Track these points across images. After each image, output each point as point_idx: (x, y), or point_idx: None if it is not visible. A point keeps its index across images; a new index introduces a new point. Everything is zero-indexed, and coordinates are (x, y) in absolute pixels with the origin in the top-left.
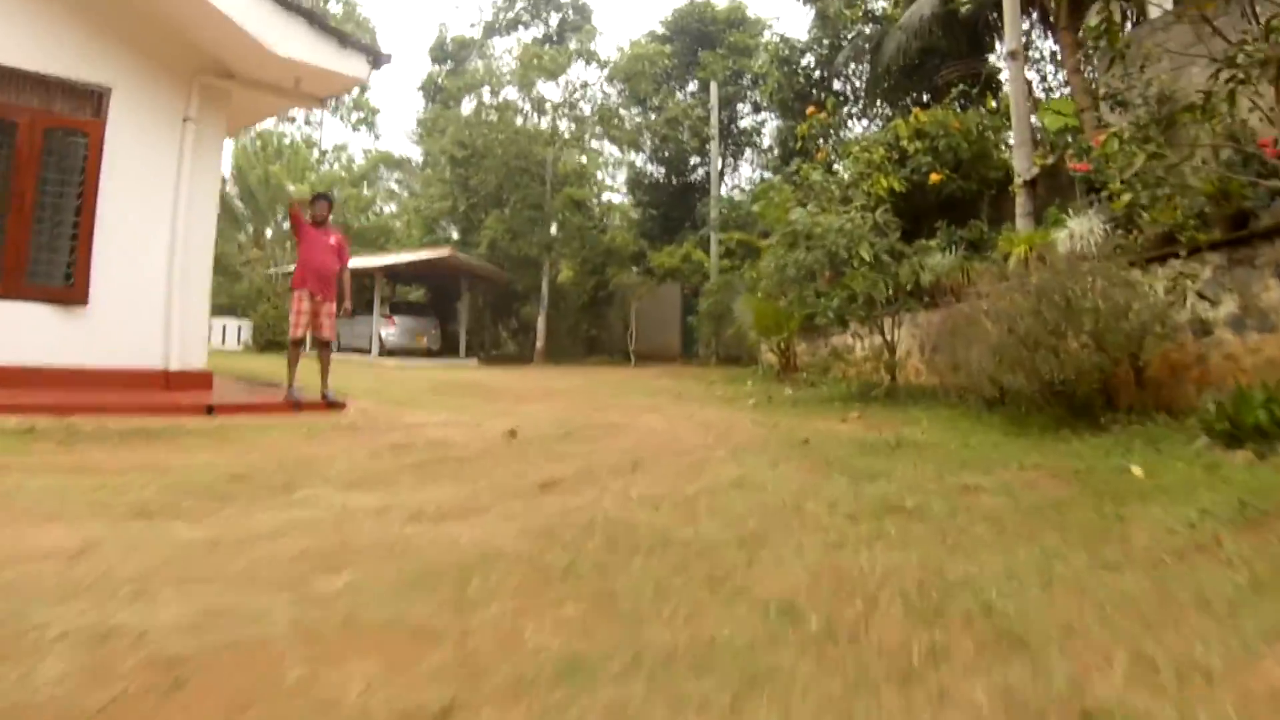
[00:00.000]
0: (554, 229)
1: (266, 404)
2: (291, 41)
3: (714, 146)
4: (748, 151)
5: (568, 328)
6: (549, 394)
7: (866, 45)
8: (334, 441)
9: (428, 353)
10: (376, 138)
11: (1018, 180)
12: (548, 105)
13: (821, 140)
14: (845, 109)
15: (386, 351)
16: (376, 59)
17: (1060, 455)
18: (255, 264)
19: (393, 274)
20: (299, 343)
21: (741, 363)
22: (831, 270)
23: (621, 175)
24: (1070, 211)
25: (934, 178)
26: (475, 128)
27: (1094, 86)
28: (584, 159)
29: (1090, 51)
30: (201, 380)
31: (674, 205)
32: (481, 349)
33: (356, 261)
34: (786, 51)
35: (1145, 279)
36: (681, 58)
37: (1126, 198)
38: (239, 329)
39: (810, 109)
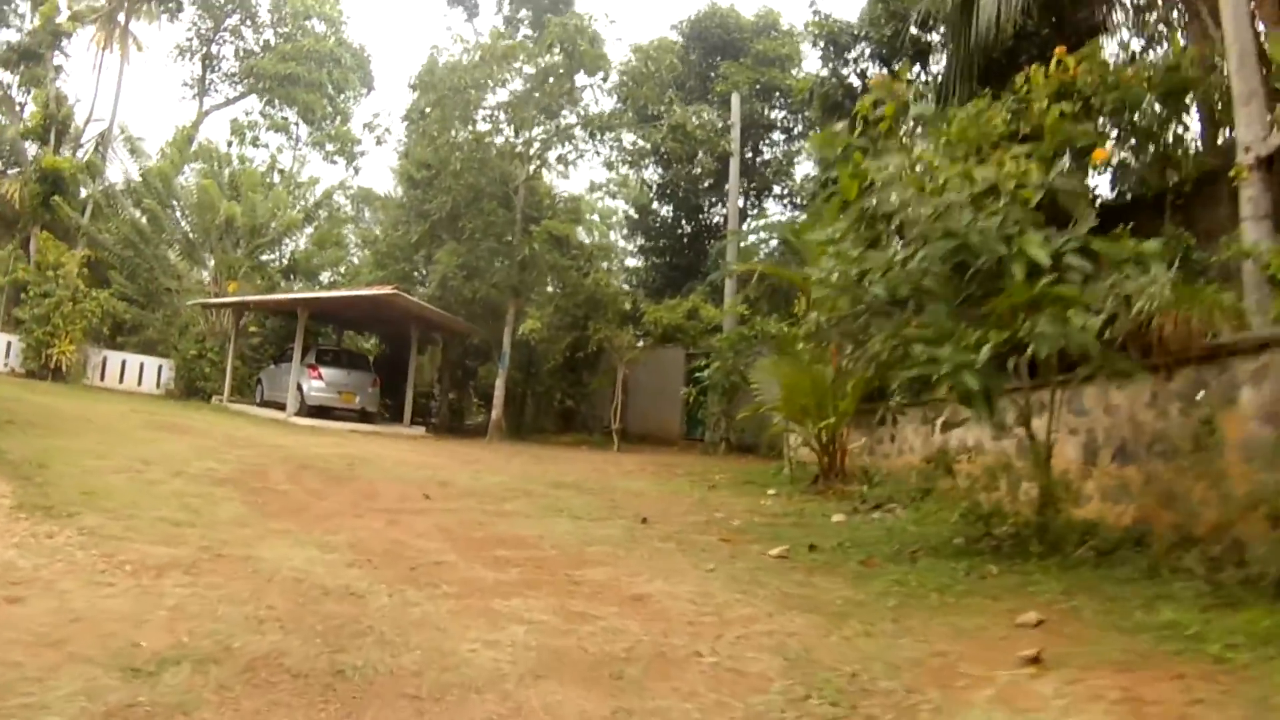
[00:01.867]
0: (523, 269)
1: None
2: None
3: (734, 165)
4: (775, 190)
5: (539, 395)
6: (430, 498)
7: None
8: None
9: (361, 415)
10: (356, 171)
11: (1243, 157)
12: (526, 114)
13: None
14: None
15: (310, 410)
16: None
17: None
18: (185, 295)
19: (322, 314)
20: None
21: (759, 453)
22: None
23: (618, 210)
24: None
25: (1098, 156)
26: (435, 135)
27: None
28: (558, 180)
29: None
30: None
31: (683, 253)
32: (433, 416)
33: (277, 295)
34: (833, 35)
35: None
36: (697, 70)
37: None
38: (159, 369)
39: (875, 77)
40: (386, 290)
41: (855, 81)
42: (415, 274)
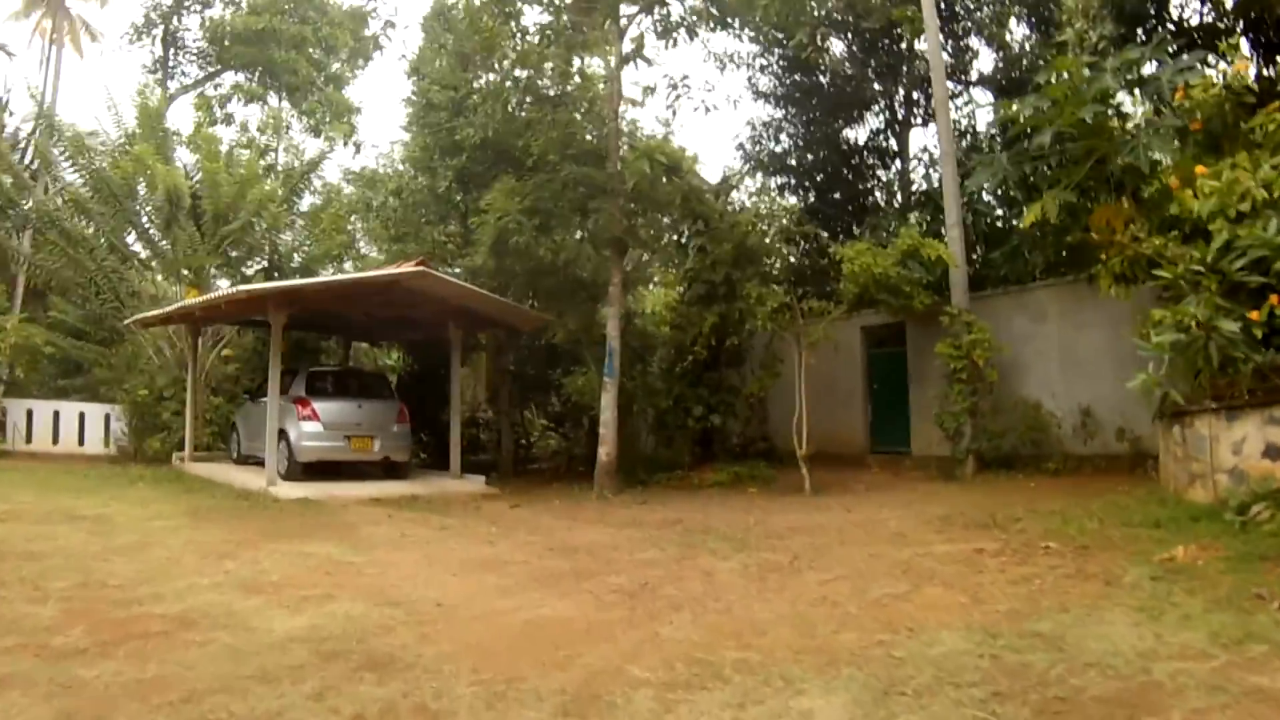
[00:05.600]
0: (632, 212)
1: None
2: None
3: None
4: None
5: (661, 412)
6: None
7: None
8: None
9: (386, 468)
10: (357, 149)
11: None
12: None
13: None
14: None
15: (304, 469)
16: None
17: None
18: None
19: (312, 320)
20: None
21: (1034, 467)
22: None
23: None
24: None
25: None
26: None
27: None
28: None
29: None
30: None
31: (831, 187)
32: (486, 452)
33: (234, 290)
34: None
35: None
36: None
37: None
38: (106, 419)
39: None
40: (411, 268)
41: None
42: (449, 246)
